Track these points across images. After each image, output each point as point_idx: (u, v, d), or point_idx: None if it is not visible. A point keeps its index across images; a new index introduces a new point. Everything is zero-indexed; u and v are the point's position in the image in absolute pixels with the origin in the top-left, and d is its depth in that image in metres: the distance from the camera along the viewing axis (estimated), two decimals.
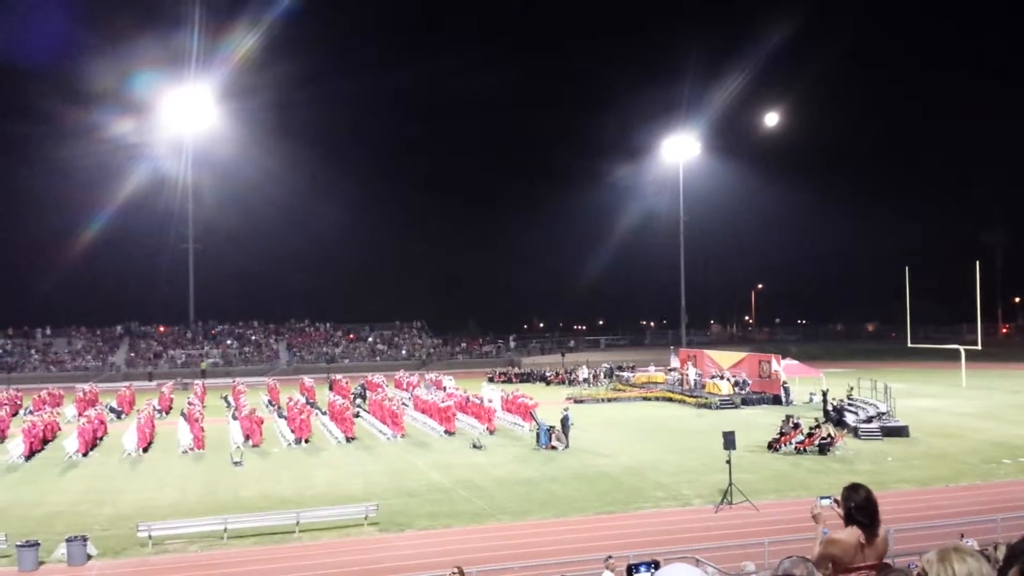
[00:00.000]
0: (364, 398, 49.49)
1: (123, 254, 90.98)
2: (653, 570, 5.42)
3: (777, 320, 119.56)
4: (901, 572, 5.34)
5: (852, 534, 5.52)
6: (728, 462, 23.43)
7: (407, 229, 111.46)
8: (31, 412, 42.50)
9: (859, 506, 5.58)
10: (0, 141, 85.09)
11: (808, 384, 48.70)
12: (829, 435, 32.03)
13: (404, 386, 56.55)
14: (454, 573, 13.72)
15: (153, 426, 38.35)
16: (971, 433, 35.59)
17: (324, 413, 42.24)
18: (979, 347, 55.22)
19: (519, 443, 35.04)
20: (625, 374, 60.46)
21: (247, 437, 35.66)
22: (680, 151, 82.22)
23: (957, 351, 57.13)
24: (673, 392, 51.22)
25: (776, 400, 46.24)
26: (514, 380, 65.20)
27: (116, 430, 39.49)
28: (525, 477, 27.96)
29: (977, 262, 52.73)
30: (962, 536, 15.18)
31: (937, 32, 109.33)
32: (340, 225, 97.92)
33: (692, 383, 51.16)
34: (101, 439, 37.62)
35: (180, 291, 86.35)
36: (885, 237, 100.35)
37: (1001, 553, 9.10)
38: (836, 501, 6.42)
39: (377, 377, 57.89)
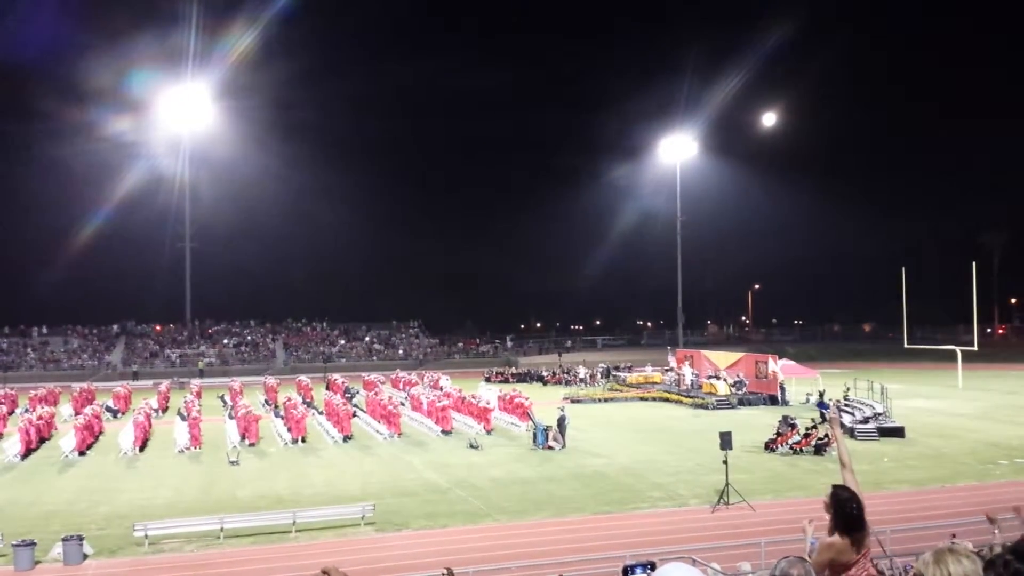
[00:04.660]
0: (352, 395, 49.77)
1: (120, 253, 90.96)
2: (649, 571, 5.42)
3: (774, 320, 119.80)
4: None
5: (843, 537, 5.55)
6: (725, 462, 23.44)
7: (404, 229, 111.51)
8: (27, 411, 42.40)
9: (848, 513, 5.60)
10: None
11: (805, 384, 48.77)
12: (826, 435, 32.05)
13: (401, 385, 56.52)
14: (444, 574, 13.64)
15: (150, 425, 38.30)
16: (967, 434, 35.63)
17: (321, 412, 42.22)
18: (975, 348, 55.29)
19: (516, 443, 35.04)
20: (622, 374, 60.49)
21: (243, 436, 35.64)
22: (677, 151, 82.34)
23: (953, 352, 57.18)
24: (670, 392, 51.23)
25: (773, 400, 46.28)
26: (511, 380, 65.24)
27: (112, 429, 39.46)
28: (522, 477, 27.95)
29: (974, 263, 52.84)
30: (953, 536, 15.17)
31: (936, 32, 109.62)
32: (337, 224, 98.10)
33: (689, 383, 51.20)
34: (97, 438, 37.58)
35: (177, 290, 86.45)
36: (882, 238, 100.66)
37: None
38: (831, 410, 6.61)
39: (374, 376, 57.85)
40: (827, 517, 5.71)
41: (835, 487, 5.82)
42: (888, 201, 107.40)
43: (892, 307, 61.98)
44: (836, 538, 5.56)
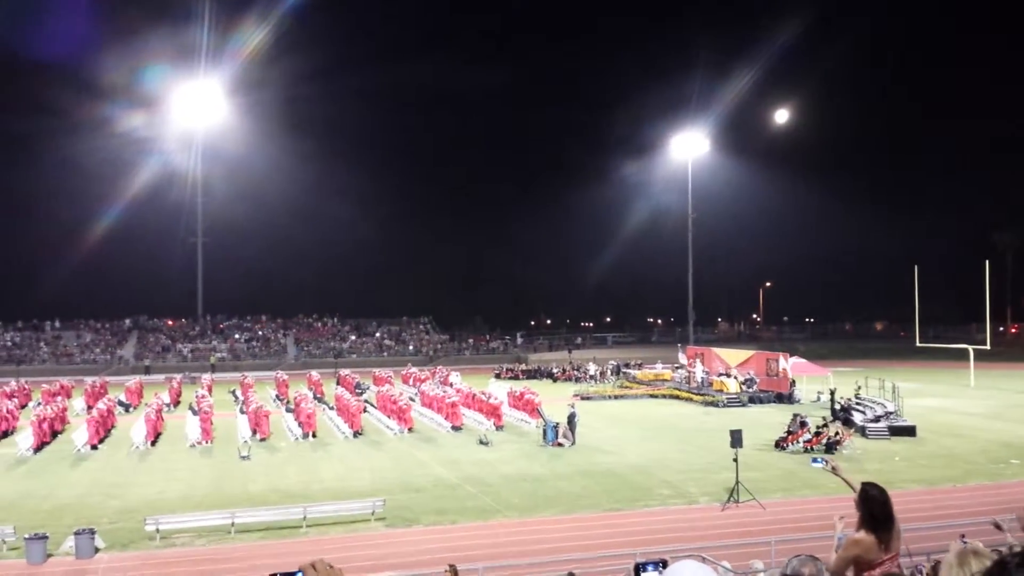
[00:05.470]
0: (362, 391, 49.95)
1: (132, 248, 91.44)
2: (660, 569, 5.42)
3: (785, 318, 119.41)
4: None
5: (870, 534, 5.54)
6: (735, 460, 23.40)
7: (415, 225, 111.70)
8: (40, 405, 42.66)
9: (877, 511, 5.58)
10: (11, 135, 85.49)
11: (816, 383, 48.62)
12: (837, 434, 31.97)
13: (411, 381, 56.57)
14: (447, 571, 13.64)
15: (161, 419, 38.48)
16: (979, 433, 35.46)
17: (332, 408, 42.32)
18: (988, 347, 54.99)
19: (526, 440, 35.05)
20: (632, 371, 60.42)
21: (255, 431, 35.76)
22: (689, 148, 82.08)
23: (966, 351, 56.90)
24: (680, 390, 51.15)
25: (783, 398, 46.14)
26: (521, 377, 65.21)
27: (125, 423, 39.66)
28: (532, 474, 27.97)
29: (987, 261, 52.50)
30: (963, 536, 15.09)
31: (949, 30, 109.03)
32: (348, 220, 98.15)
33: (699, 381, 51.08)
34: (110, 432, 37.77)
35: (189, 285, 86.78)
36: (894, 236, 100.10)
37: None
38: (826, 462, 6.61)
39: (385, 372, 57.94)
40: (855, 514, 5.71)
41: (865, 484, 5.81)
42: (900, 199, 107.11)
43: (904, 305, 61.69)
44: (863, 535, 5.55)
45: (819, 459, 7.70)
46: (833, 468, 7.57)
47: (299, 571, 3.17)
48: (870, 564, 5.49)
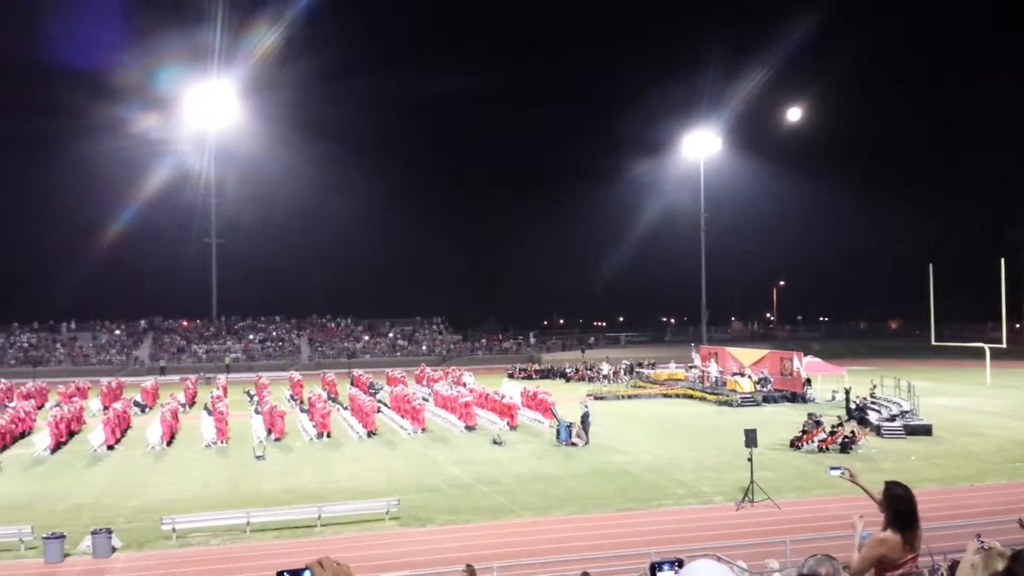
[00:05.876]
0: (376, 391, 50.13)
1: (147, 249, 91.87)
2: (677, 568, 5.41)
3: (799, 317, 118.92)
4: None
5: (896, 534, 5.52)
6: (749, 460, 23.33)
7: (428, 225, 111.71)
8: (57, 405, 42.93)
9: (902, 510, 5.56)
10: (26, 138, 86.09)
11: (831, 382, 48.41)
12: (852, 433, 31.84)
13: (424, 381, 56.67)
14: (465, 571, 13.66)
15: (177, 420, 38.69)
16: (996, 432, 35.23)
17: (346, 408, 42.45)
18: (1004, 345, 54.63)
19: (539, 439, 35.05)
20: (645, 371, 60.34)
21: (269, 431, 35.91)
22: (701, 147, 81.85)
23: (982, 349, 56.55)
24: (694, 389, 51.03)
25: (797, 398, 45.98)
26: (534, 376, 65.20)
27: (140, 423, 39.89)
28: (545, 473, 27.98)
29: (1002, 259, 52.13)
30: (978, 536, 15.00)
31: (963, 29, 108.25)
32: (361, 221, 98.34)
33: (713, 380, 50.96)
34: (126, 432, 37.99)
35: (203, 286, 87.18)
36: (909, 234, 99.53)
37: None
38: (844, 470, 6.60)
39: (398, 372, 58.04)
40: (874, 514, 5.69)
41: (888, 483, 5.79)
42: (914, 197, 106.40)
43: (919, 304, 61.35)
44: (889, 534, 5.53)
45: (837, 467, 7.67)
46: (851, 476, 7.54)
47: (307, 569, 3.20)
48: (894, 564, 5.48)
